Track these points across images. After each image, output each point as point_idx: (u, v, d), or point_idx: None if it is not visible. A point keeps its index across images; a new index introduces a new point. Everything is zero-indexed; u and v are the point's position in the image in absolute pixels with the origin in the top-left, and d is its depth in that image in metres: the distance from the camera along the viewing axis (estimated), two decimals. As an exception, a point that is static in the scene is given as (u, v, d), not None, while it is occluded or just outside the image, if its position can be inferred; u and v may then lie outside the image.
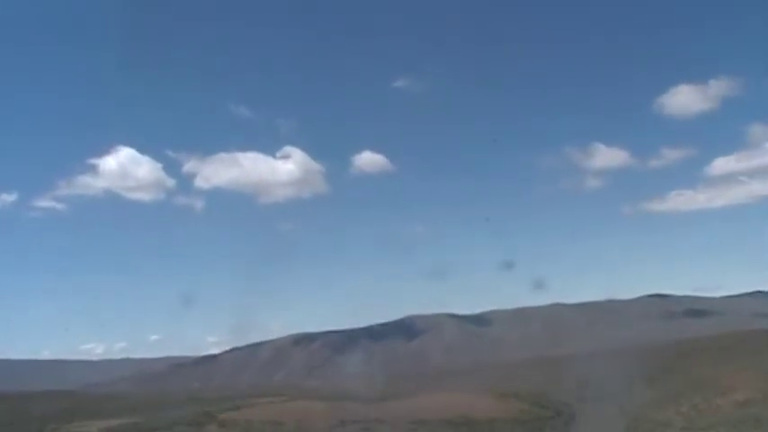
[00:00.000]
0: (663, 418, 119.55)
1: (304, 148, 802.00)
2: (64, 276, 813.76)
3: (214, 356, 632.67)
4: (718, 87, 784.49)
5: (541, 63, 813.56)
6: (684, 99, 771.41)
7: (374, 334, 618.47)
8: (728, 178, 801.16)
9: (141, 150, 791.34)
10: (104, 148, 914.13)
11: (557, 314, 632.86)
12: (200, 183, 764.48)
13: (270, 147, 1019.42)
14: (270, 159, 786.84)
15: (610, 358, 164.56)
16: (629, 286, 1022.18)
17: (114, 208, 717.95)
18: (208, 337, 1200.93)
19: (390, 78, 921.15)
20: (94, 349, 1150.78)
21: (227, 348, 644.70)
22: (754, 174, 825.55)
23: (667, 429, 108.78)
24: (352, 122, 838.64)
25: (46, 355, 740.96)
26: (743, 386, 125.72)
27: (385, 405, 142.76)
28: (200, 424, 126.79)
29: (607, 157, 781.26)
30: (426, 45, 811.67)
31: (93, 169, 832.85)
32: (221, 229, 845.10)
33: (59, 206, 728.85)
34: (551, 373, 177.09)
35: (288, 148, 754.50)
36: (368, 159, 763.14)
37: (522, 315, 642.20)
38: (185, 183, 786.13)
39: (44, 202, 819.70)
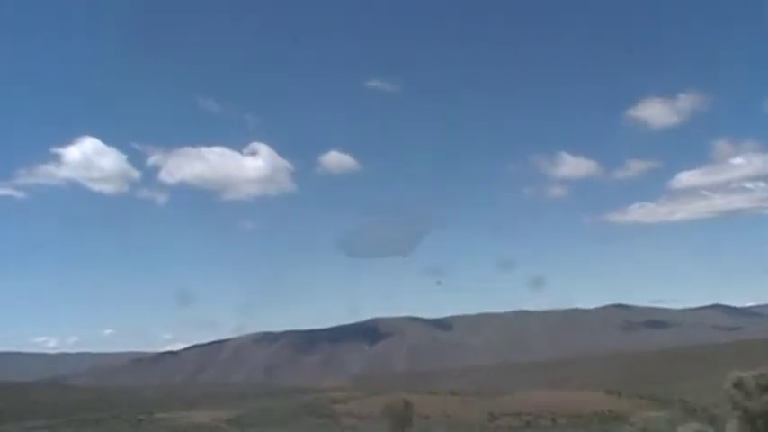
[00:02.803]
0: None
1: (271, 145, 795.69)
2: (17, 266, 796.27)
3: (174, 353, 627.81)
4: (688, 101, 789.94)
5: (513, 71, 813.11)
6: (653, 112, 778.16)
7: (337, 335, 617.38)
8: (691, 192, 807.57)
9: (106, 141, 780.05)
10: (68, 138, 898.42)
11: (519, 321, 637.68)
12: (164, 176, 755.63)
13: (237, 142, 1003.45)
14: (236, 155, 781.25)
15: (600, 363, 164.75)
16: (590, 296, 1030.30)
17: (76, 199, 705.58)
18: (163, 334, 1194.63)
19: (363, 78, 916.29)
20: (47, 342, 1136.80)
21: (187, 345, 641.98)
22: (716, 189, 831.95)
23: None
24: (321, 120, 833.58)
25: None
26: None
27: (507, 399, 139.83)
28: (324, 415, 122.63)
29: (573, 166, 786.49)
30: (402, 47, 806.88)
31: (57, 158, 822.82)
32: (184, 224, 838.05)
33: (19, 194, 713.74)
34: (570, 374, 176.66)
35: (255, 145, 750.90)
36: (336, 159, 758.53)
37: (483, 321, 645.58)
38: (150, 176, 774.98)
39: (2, 190, 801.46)
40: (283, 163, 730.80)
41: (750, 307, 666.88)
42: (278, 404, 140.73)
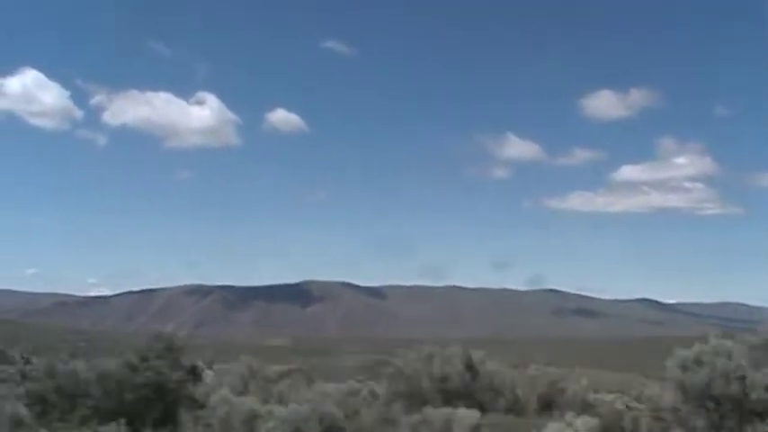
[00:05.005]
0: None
1: (220, 96, 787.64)
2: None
3: (105, 298, 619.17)
4: (639, 97, 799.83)
5: (471, 46, 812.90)
6: (604, 103, 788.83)
7: (270, 294, 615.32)
8: (631, 186, 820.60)
9: (49, 75, 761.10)
10: (8, 68, 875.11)
11: (452, 296, 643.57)
12: (107, 118, 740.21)
13: (185, 90, 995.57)
14: (183, 103, 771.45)
15: (540, 345, 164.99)
16: (523, 278, 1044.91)
17: (13, 131, 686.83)
18: (88, 278, 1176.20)
19: (321, 37, 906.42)
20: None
21: (115, 291, 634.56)
22: (656, 185, 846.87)
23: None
24: (273, 77, 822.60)
25: None
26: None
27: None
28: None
29: (518, 148, 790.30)
30: (364, 11, 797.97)
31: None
32: (122, 168, 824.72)
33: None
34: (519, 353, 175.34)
35: (203, 94, 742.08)
36: (283, 117, 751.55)
37: (418, 293, 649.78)
38: (92, 115, 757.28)
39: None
40: (230, 115, 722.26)
41: (674, 304, 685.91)
42: (326, 361, 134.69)
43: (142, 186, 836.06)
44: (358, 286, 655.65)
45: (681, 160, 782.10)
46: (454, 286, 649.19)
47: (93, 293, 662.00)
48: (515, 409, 33.32)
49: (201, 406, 23.57)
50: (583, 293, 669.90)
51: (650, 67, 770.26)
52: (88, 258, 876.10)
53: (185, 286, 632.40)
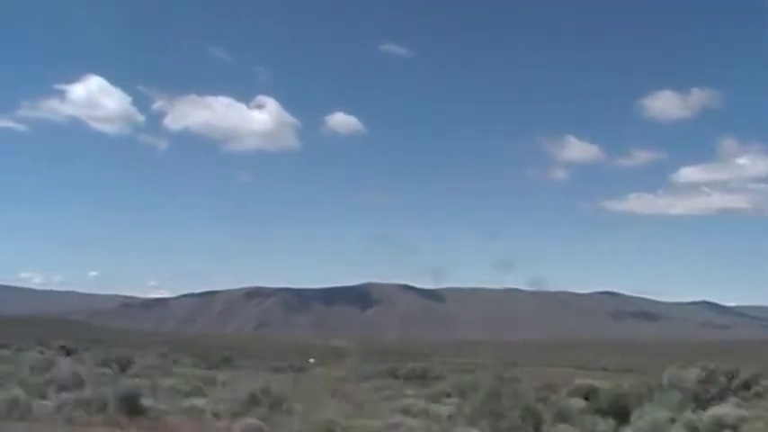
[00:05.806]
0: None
1: (279, 100, 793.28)
2: (8, 198, 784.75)
3: (165, 300, 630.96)
4: (700, 97, 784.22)
5: (529, 49, 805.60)
6: (665, 104, 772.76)
7: (330, 297, 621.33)
8: (691, 187, 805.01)
9: (112, 81, 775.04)
10: (74, 75, 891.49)
11: (511, 299, 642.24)
12: (168, 122, 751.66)
13: (244, 94, 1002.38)
14: (243, 107, 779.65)
15: (606, 349, 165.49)
16: (581, 281, 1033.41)
17: (77, 136, 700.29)
18: (149, 281, 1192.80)
19: (378, 41, 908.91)
20: (32, 278, 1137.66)
21: (175, 294, 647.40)
22: (717, 186, 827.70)
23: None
24: (332, 79, 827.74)
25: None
26: None
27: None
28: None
29: (578, 150, 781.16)
30: (420, 14, 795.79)
31: (61, 95, 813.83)
32: (183, 172, 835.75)
33: (19, 127, 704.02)
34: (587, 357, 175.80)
35: (262, 98, 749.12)
36: (341, 120, 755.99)
37: (476, 295, 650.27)
38: (154, 120, 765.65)
39: (3, 122, 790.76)
40: (289, 119, 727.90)
41: (735, 307, 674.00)
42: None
43: (202, 190, 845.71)
44: (417, 289, 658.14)
45: (742, 161, 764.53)
46: (512, 289, 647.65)
47: (153, 296, 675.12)
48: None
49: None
50: (642, 296, 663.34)
51: (712, 66, 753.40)
52: (148, 261, 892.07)
53: (245, 289, 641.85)
